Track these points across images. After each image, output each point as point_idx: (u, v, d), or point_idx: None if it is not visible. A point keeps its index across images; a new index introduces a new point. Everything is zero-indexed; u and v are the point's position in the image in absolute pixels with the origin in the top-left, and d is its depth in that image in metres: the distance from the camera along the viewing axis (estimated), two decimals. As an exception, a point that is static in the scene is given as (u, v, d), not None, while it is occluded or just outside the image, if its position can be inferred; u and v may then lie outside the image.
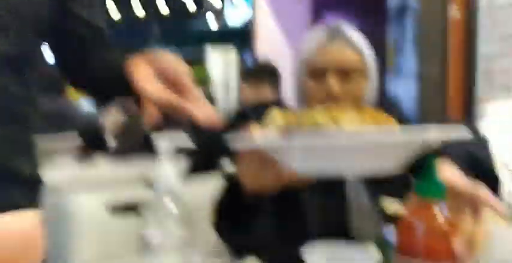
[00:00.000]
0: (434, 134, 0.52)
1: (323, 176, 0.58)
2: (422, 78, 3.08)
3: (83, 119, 2.67)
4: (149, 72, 0.57)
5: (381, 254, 0.68)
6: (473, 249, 0.64)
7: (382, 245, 0.68)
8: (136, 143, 2.34)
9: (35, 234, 0.17)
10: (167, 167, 0.59)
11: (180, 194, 0.62)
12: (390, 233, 0.68)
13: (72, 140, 2.43)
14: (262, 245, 0.89)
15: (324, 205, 0.94)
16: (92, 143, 2.50)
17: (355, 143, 0.51)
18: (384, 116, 0.60)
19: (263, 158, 0.59)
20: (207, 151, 1.50)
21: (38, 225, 0.17)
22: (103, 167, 2.28)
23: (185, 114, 0.55)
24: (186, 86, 0.58)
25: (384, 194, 0.91)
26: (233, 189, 0.71)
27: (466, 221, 0.66)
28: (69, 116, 2.60)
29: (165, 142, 0.60)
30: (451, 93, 2.87)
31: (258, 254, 0.96)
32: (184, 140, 1.99)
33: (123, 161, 2.07)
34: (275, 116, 0.59)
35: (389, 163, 0.53)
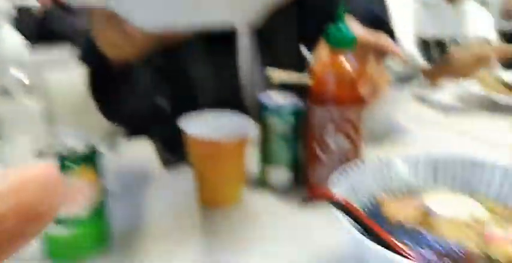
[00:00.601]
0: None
1: (175, 29, 0.52)
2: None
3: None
4: None
5: (261, 119, 0.67)
6: (377, 92, 0.72)
7: (262, 110, 0.67)
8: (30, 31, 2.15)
9: (54, 181, 0.15)
10: (8, 31, 0.51)
11: (32, 65, 0.54)
12: (269, 98, 0.68)
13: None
14: (147, 117, 0.86)
15: (213, 72, 0.91)
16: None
17: None
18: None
19: (109, 16, 0.52)
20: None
21: (57, 172, 0.15)
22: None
23: None
24: None
25: (271, 65, 0.89)
26: (99, 59, 0.64)
27: (371, 68, 0.72)
28: None
29: (4, 2, 0.50)
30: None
31: (146, 129, 0.94)
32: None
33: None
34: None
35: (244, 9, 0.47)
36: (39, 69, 0.57)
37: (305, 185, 0.67)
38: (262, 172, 0.70)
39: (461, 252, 0.41)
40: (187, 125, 0.62)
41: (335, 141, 0.61)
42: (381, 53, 0.72)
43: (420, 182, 0.52)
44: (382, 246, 0.36)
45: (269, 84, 0.94)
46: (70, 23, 2.27)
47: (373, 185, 0.50)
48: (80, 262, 0.51)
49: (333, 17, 0.60)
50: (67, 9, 2.35)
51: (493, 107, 1.05)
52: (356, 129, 0.61)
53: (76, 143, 0.48)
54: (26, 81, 0.53)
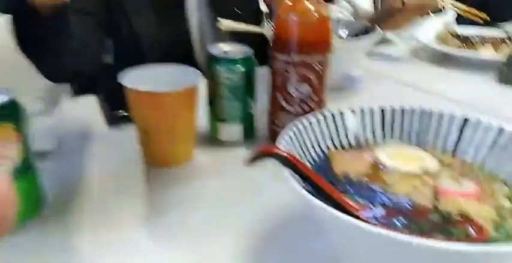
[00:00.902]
0: None
1: None
2: None
3: None
4: None
5: (211, 73, 0.63)
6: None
7: (211, 62, 0.63)
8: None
9: (7, 189, 0.13)
10: None
11: None
12: (219, 49, 0.64)
13: None
14: (88, 74, 0.81)
15: (159, 24, 0.85)
16: None
17: None
18: None
19: None
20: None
21: (9, 180, 0.12)
22: None
23: None
24: None
25: (223, 16, 0.84)
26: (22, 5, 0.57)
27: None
28: None
29: None
30: None
31: (89, 86, 0.88)
32: None
33: None
34: None
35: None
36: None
37: (267, 136, 0.66)
38: (213, 128, 0.67)
39: (411, 206, 0.40)
40: (128, 80, 0.58)
41: (298, 90, 0.60)
42: None
43: (370, 135, 0.50)
44: (329, 202, 0.34)
45: (220, 37, 0.90)
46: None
47: (322, 139, 0.47)
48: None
49: None
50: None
51: (445, 60, 1.04)
52: (320, 78, 0.60)
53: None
54: None
